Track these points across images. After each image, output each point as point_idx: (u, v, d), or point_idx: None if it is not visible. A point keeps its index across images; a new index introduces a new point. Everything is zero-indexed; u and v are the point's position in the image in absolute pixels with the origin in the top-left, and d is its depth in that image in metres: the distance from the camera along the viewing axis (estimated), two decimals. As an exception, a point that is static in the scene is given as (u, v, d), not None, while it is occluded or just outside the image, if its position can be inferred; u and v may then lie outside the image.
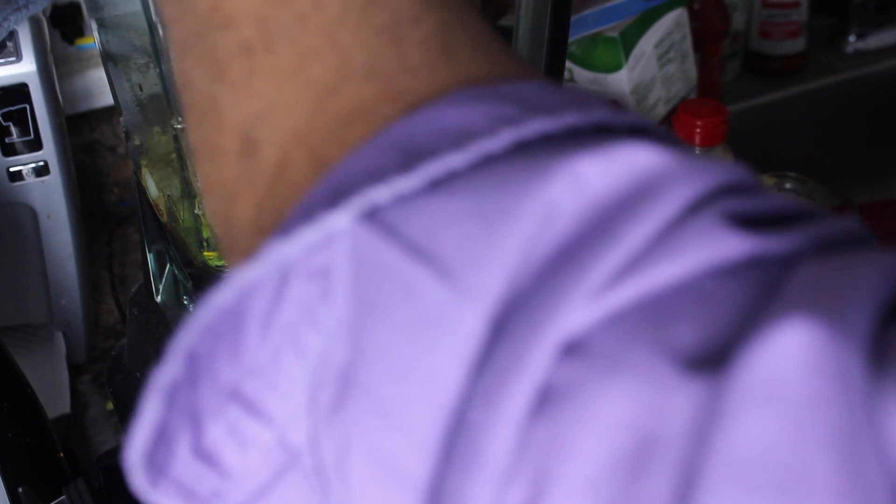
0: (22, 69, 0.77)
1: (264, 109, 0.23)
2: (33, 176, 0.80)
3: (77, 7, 0.95)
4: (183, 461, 0.22)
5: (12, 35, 0.75)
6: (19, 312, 0.86)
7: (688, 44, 1.00)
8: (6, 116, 0.77)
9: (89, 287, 0.91)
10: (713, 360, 0.18)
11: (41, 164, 0.80)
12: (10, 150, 0.79)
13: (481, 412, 0.19)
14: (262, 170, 0.24)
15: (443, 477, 0.19)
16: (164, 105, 0.55)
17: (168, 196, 0.62)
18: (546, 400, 0.18)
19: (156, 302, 0.70)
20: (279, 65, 0.23)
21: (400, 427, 0.20)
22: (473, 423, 0.19)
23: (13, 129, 0.78)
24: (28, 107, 0.78)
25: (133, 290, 0.73)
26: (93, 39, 0.94)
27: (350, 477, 0.21)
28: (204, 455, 0.22)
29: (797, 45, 1.16)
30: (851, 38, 1.20)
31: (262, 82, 0.23)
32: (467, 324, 0.19)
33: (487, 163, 0.21)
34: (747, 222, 0.20)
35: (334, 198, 0.21)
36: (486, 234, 0.20)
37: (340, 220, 0.21)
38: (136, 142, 0.65)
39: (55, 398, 0.82)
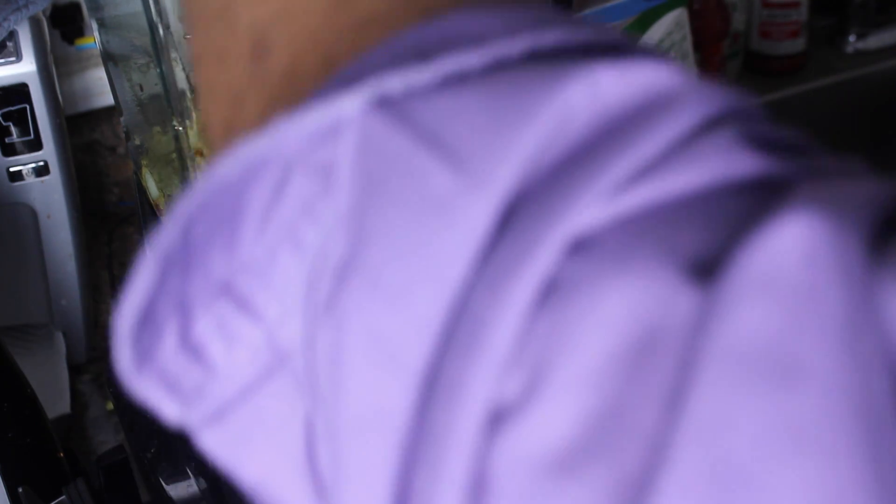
0: (22, 69, 0.77)
1: (279, 13, 0.23)
2: (33, 176, 0.80)
3: (77, 7, 0.95)
4: (169, 350, 0.22)
5: (12, 35, 0.75)
6: (19, 312, 0.86)
7: (688, 44, 1.00)
8: (6, 116, 0.77)
9: (89, 287, 0.91)
10: (716, 268, 0.18)
11: (41, 164, 0.80)
12: (10, 150, 0.79)
13: (486, 300, 0.19)
14: (274, 72, 0.24)
15: (440, 363, 0.19)
16: (164, 105, 0.55)
17: (168, 196, 0.62)
18: (551, 293, 0.18)
19: (156, 302, 0.70)
20: None
21: (401, 309, 0.19)
22: (477, 311, 0.19)
23: (13, 129, 0.78)
24: (28, 107, 0.78)
25: (133, 290, 0.73)
26: (93, 39, 0.94)
27: (345, 368, 0.20)
28: (190, 347, 0.22)
29: (797, 45, 1.16)
30: (851, 38, 1.20)
31: None
32: (475, 212, 0.19)
33: (502, 67, 0.21)
34: (759, 145, 0.20)
35: (344, 87, 0.21)
36: (499, 127, 0.20)
37: (350, 105, 0.20)
38: (136, 142, 0.65)
39: (55, 398, 0.82)
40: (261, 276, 0.22)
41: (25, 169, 0.80)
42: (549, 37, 0.21)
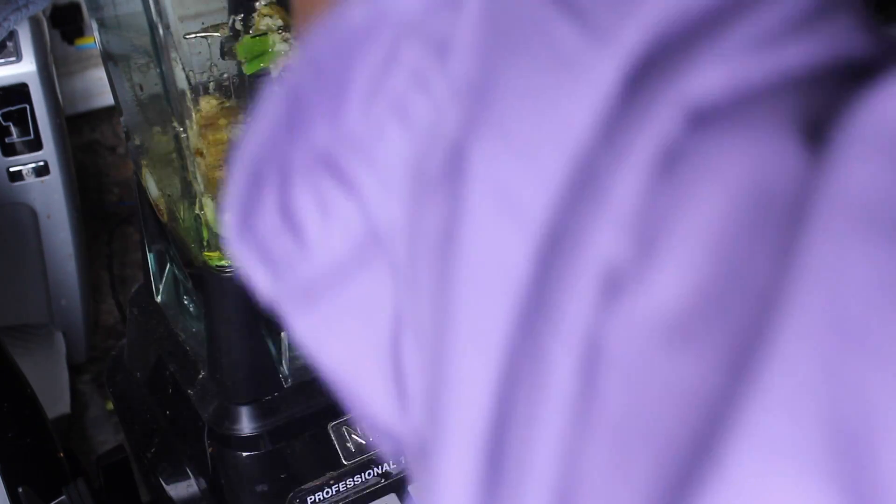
0: (22, 69, 0.77)
1: None
2: (33, 176, 0.80)
3: (77, 7, 0.95)
4: (268, 212, 0.21)
5: (12, 35, 0.75)
6: (19, 312, 0.86)
7: (688, 44, 1.00)
8: (6, 116, 0.77)
9: (89, 287, 0.91)
10: (824, 132, 0.18)
11: (41, 164, 0.80)
12: (10, 150, 0.79)
13: (608, 160, 0.18)
14: None
15: (561, 218, 0.19)
16: (164, 105, 0.55)
17: (168, 196, 0.62)
18: (674, 161, 0.18)
19: (156, 302, 0.70)
20: None
21: (527, 162, 0.19)
22: (599, 171, 0.18)
23: (13, 129, 0.78)
24: (28, 107, 0.78)
25: (133, 290, 0.73)
26: (93, 39, 0.94)
27: (466, 223, 0.19)
28: (287, 214, 0.21)
29: None
30: (851, 39, 1.20)
31: None
32: (602, 71, 0.19)
33: None
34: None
35: None
36: None
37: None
38: (136, 142, 0.65)
39: (55, 398, 0.82)
40: (363, 150, 0.21)
41: (25, 169, 0.80)
42: None
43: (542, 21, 0.20)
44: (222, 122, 0.58)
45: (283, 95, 0.21)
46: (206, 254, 0.57)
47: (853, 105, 0.18)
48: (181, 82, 0.52)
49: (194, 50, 0.53)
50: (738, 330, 0.17)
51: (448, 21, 0.20)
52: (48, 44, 0.79)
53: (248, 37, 0.52)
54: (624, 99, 0.19)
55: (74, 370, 0.90)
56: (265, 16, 0.52)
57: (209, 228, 0.56)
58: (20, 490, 0.60)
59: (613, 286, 0.18)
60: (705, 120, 0.18)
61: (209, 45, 0.53)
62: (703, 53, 0.19)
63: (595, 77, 0.19)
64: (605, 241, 0.18)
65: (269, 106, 0.21)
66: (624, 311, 0.18)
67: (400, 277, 0.21)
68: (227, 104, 0.57)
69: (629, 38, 0.19)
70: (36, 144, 0.79)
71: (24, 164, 0.80)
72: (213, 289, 0.57)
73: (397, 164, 0.21)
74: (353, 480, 0.61)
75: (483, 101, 0.20)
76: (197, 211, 0.57)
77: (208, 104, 0.57)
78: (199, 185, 0.55)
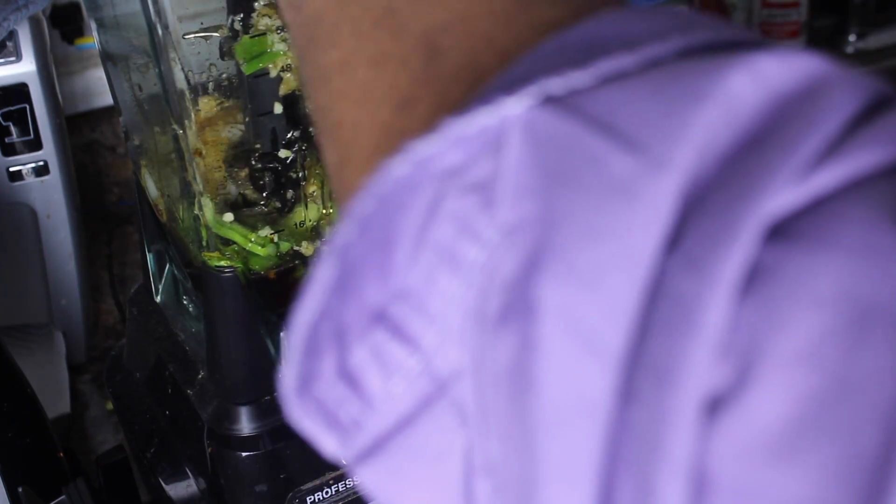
0: (22, 69, 0.77)
1: (454, 19, 0.24)
2: (33, 176, 0.80)
3: (77, 7, 0.95)
4: (327, 380, 0.22)
5: (12, 35, 0.75)
6: (19, 312, 0.86)
7: (688, 44, 1.00)
8: (6, 116, 0.77)
9: (89, 287, 0.91)
10: None
11: (41, 164, 0.80)
12: (10, 150, 0.79)
13: (689, 285, 0.18)
14: (448, 73, 0.24)
15: (640, 346, 0.19)
16: (163, 105, 0.55)
17: (168, 196, 0.62)
18: (754, 280, 0.18)
19: (155, 302, 0.70)
20: None
21: (596, 293, 0.19)
22: (682, 295, 0.18)
23: (13, 129, 0.78)
24: (28, 107, 0.78)
25: (133, 290, 0.73)
26: (93, 39, 0.93)
27: (540, 359, 0.20)
28: (347, 377, 0.22)
29: (797, 44, 1.16)
30: (851, 38, 1.20)
31: None
32: (660, 194, 0.19)
33: (657, 65, 0.21)
34: None
35: (509, 88, 0.21)
36: (670, 111, 0.20)
37: (517, 104, 0.20)
38: (136, 142, 0.65)
39: (55, 398, 0.82)
40: (416, 303, 0.21)
41: (25, 169, 0.80)
42: (699, 36, 0.21)
43: (592, 153, 0.20)
44: (221, 122, 0.58)
45: (331, 260, 0.21)
46: (206, 254, 0.57)
47: None
48: (180, 82, 0.52)
49: (193, 50, 0.53)
50: (858, 448, 0.17)
51: (489, 167, 0.21)
52: (48, 44, 0.79)
53: (246, 37, 0.52)
54: (688, 221, 0.19)
55: (74, 370, 0.90)
56: (264, 16, 0.52)
57: (208, 229, 0.56)
58: (20, 490, 0.60)
59: (713, 411, 0.18)
60: (786, 236, 0.18)
61: (208, 45, 0.53)
62: (768, 169, 0.19)
63: (654, 201, 0.19)
64: (700, 367, 0.18)
65: (319, 272, 0.21)
66: (726, 433, 0.18)
67: (469, 422, 0.21)
68: (227, 104, 0.58)
69: (682, 158, 0.19)
70: (36, 144, 0.79)
71: (24, 163, 0.80)
72: (213, 289, 0.57)
73: (453, 311, 0.21)
74: (353, 480, 0.61)
75: (544, 238, 0.20)
76: (196, 211, 0.57)
77: (207, 104, 0.57)
78: (198, 186, 0.55)
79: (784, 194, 0.18)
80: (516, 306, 0.20)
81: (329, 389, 0.22)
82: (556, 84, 0.20)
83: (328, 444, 0.23)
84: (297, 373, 0.22)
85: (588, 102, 0.20)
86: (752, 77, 0.20)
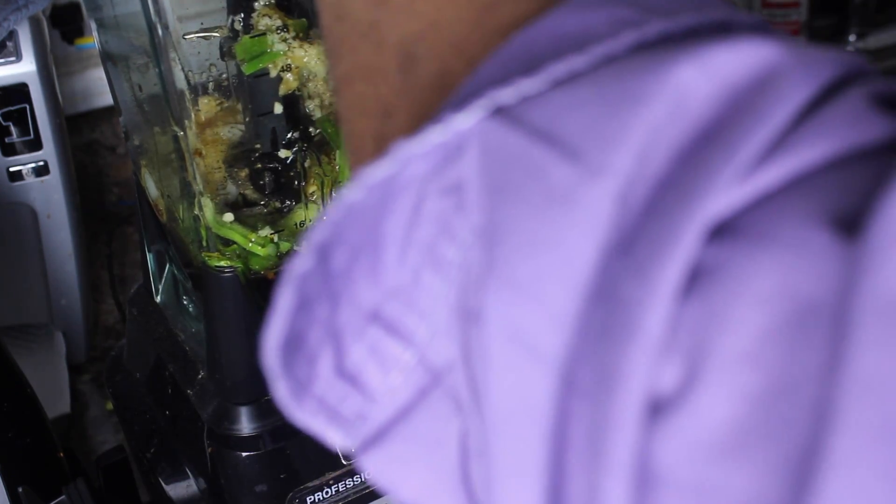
0: (22, 69, 0.77)
1: (426, 27, 0.24)
2: (33, 176, 0.80)
3: (77, 7, 0.95)
4: (326, 380, 0.23)
5: (12, 35, 0.75)
6: (19, 312, 0.86)
7: (688, 44, 1.00)
8: (6, 116, 0.77)
9: (89, 287, 0.91)
10: (857, 225, 0.18)
11: (41, 163, 0.80)
12: (10, 150, 0.79)
13: (630, 288, 0.19)
14: (422, 83, 0.25)
15: (581, 352, 0.19)
16: (163, 105, 0.55)
17: (168, 196, 0.62)
18: (697, 280, 0.18)
19: (155, 302, 0.70)
20: None
21: (535, 302, 0.20)
22: (622, 299, 0.19)
23: (13, 129, 0.78)
24: (28, 107, 0.78)
25: (133, 290, 0.73)
26: (93, 39, 0.94)
27: (488, 365, 0.21)
28: (347, 375, 0.23)
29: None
30: (851, 38, 1.20)
31: (423, 4, 0.24)
32: (596, 201, 0.19)
33: (609, 63, 0.21)
34: (883, 105, 0.20)
35: (461, 103, 0.22)
36: (611, 115, 0.20)
37: (466, 121, 0.21)
38: (136, 142, 0.65)
39: (55, 398, 0.82)
40: (407, 300, 0.22)
41: (25, 169, 0.80)
42: (653, 28, 0.21)
43: (534, 163, 0.20)
44: (221, 122, 0.58)
45: (308, 269, 0.22)
46: (206, 254, 0.57)
47: (884, 193, 0.17)
48: (180, 82, 0.52)
49: (193, 50, 0.53)
50: (794, 443, 0.17)
51: (456, 166, 0.21)
52: (48, 44, 0.79)
53: (247, 37, 0.52)
54: (638, 223, 0.19)
55: (74, 370, 0.90)
56: (264, 16, 0.52)
57: (208, 229, 0.56)
58: (20, 490, 0.60)
59: (658, 410, 0.18)
60: (727, 235, 0.19)
61: (208, 45, 0.53)
62: (711, 168, 0.19)
63: (591, 208, 0.19)
64: (641, 369, 0.18)
65: (292, 281, 0.22)
66: (674, 433, 0.18)
67: (464, 408, 0.22)
68: (227, 104, 0.58)
69: (617, 162, 0.19)
70: (36, 144, 0.79)
71: (24, 163, 0.80)
72: (213, 289, 0.57)
73: (440, 307, 0.22)
74: (353, 480, 0.61)
75: (490, 247, 0.21)
76: (196, 211, 0.57)
77: (207, 104, 0.57)
78: (198, 186, 0.55)
79: (726, 194, 0.18)
80: (473, 311, 0.21)
81: (329, 388, 0.23)
82: (506, 94, 0.21)
83: (334, 437, 0.24)
84: (290, 378, 0.22)
85: (534, 111, 0.21)
86: (701, 70, 0.20)
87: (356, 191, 0.21)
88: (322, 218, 0.22)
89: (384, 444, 0.23)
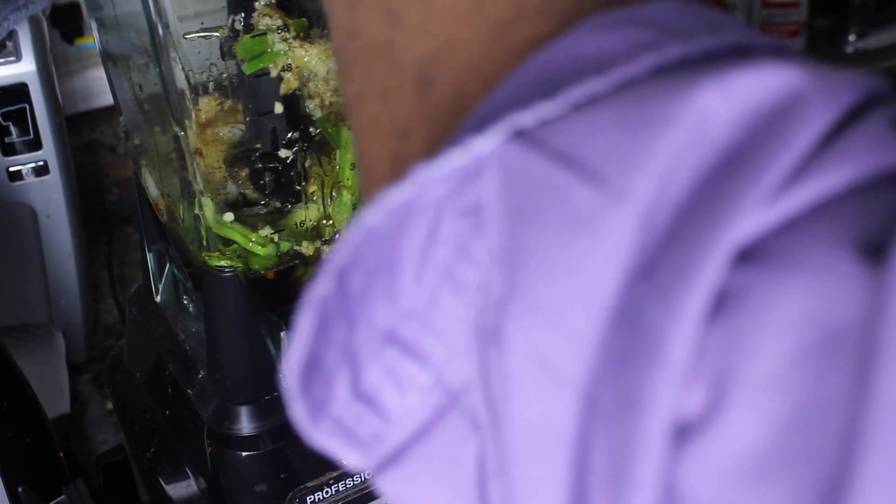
0: (22, 69, 0.77)
1: (442, 48, 0.24)
2: (33, 176, 0.80)
3: (77, 7, 0.95)
4: (343, 401, 0.23)
5: (12, 35, 0.75)
6: (19, 312, 0.86)
7: (688, 44, 1.00)
8: (6, 116, 0.77)
9: (89, 287, 0.91)
10: (883, 251, 0.18)
11: (41, 163, 0.80)
12: (10, 150, 0.79)
13: (655, 313, 0.19)
14: (438, 104, 0.25)
15: (603, 376, 0.19)
16: (163, 105, 0.55)
17: (168, 196, 0.62)
18: (722, 304, 0.18)
19: (155, 302, 0.70)
20: (456, 6, 0.24)
21: (558, 326, 0.20)
22: (649, 323, 0.19)
23: (13, 129, 0.78)
24: (28, 107, 0.78)
25: (132, 290, 0.73)
26: (93, 39, 0.94)
27: (510, 389, 0.21)
28: (363, 396, 0.23)
29: (797, 45, 1.16)
30: (851, 38, 1.20)
31: (439, 24, 0.24)
32: (618, 225, 0.19)
33: (629, 86, 0.21)
34: None
35: (479, 125, 0.22)
36: (633, 139, 0.20)
37: (486, 144, 0.21)
38: (136, 142, 0.65)
39: (55, 398, 0.82)
40: (423, 321, 0.22)
41: (25, 169, 0.80)
42: (672, 51, 0.21)
43: (555, 187, 0.20)
44: (221, 122, 0.58)
45: (327, 291, 0.22)
46: (206, 254, 0.57)
47: None
48: (180, 82, 0.52)
49: (193, 50, 0.53)
50: (820, 466, 0.17)
51: (475, 189, 0.21)
52: (48, 43, 0.79)
53: (247, 37, 0.52)
54: (662, 248, 0.19)
55: (74, 370, 0.90)
56: (264, 15, 0.52)
57: (208, 228, 0.56)
58: (20, 490, 0.60)
59: (683, 434, 0.18)
60: (753, 259, 0.18)
61: (208, 45, 0.53)
62: (736, 193, 0.19)
63: (612, 232, 0.19)
64: (667, 394, 0.18)
65: (312, 303, 0.22)
66: (700, 457, 0.18)
67: (481, 428, 0.22)
68: (227, 104, 0.58)
69: (640, 187, 0.19)
70: (35, 144, 0.79)
71: (24, 163, 0.80)
72: (213, 288, 0.57)
73: (458, 328, 0.22)
74: (353, 480, 0.61)
75: (511, 270, 0.21)
76: (196, 211, 0.57)
77: (208, 104, 0.57)
78: (198, 185, 0.55)
79: (752, 219, 0.18)
80: (495, 335, 0.21)
81: (346, 409, 0.23)
82: (526, 117, 0.21)
83: (350, 458, 0.24)
84: (306, 399, 0.23)
85: (555, 134, 0.21)
86: (723, 94, 0.20)
87: (375, 214, 0.21)
88: (342, 241, 0.22)
89: (401, 465, 0.23)
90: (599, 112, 0.21)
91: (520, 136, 0.21)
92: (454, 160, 0.21)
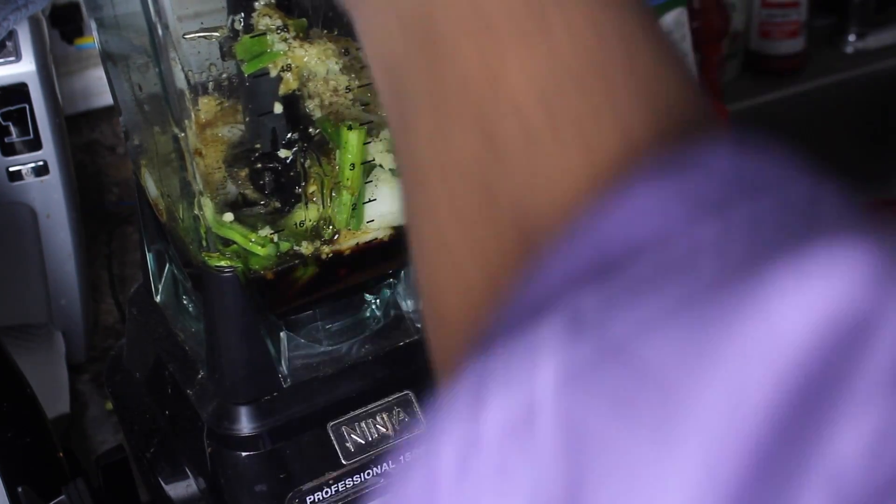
0: (21, 69, 0.77)
1: (544, 203, 0.24)
2: (32, 176, 0.80)
3: (77, 7, 0.95)
4: None
5: (12, 35, 0.75)
6: (19, 312, 0.86)
7: (687, 43, 1.00)
8: (6, 116, 0.77)
9: (89, 287, 0.91)
10: None
11: (40, 163, 0.80)
12: (10, 150, 0.79)
13: None
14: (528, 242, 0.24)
15: None
16: (163, 105, 0.55)
17: (168, 196, 0.62)
18: None
19: (155, 302, 0.70)
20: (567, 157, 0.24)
21: None
22: None
23: (13, 129, 0.78)
24: (27, 106, 0.78)
25: (132, 290, 0.73)
26: (92, 39, 0.94)
27: None
28: None
29: (797, 44, 1.16)
30: (851, 38, 1.20)
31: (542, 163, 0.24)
32: (683, 471, 0.18)
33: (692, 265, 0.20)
34: None
35: (533, 314, 0.21)
36: (699, 348, 0.19)
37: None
38: (136, 142, 0.65)
39: (55, 398, 0.82)
40: None
41: (25, 168, 0.80)
42: (736, 234, 0.20)
43: (619, 394, 0.20)
44: (221, 122, 0.58)
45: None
46: (205, 254, 0.57)
47: None
48: (180, 82, 0.52)
49: (193, 50, 0.53)
50: None
51: (529, 389, 0.21)
52: (48, 43, 0.79)
53: (247, 37, 0.52)
54: (751, 480, 0.18)
55: (74, 370, 0.90)
56: (264, 15, 0.52)
57: (208, 229, 0.56)
58: (20, 490, 0.60)
59: None
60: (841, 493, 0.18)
61: (208, 45, 0.53)
62: (837, 411, 0.18)
63: (681, 477, 0.19)
64: None
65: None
66: None
67: None
68: (227, 104, 0.58)
69: (697, 441, 0.19)
70: (35, 144, 0.79)
71: (24, 163, 0.80)
72: (212, 289, 0.57)
73: None
74: (353, 480, 0.61)
75: (574, 488, 0.20)
76: (196, 211, 0.57)
77: (207, 104, 0.57)
78: (198, 185, 0.55)
79: (850, 436, 0.18)
80: None
81: None
82: (585, 301, 0.20)
83: None
84: None
85: (614, 324, 0.20)
86: (798, 308, 0.19)
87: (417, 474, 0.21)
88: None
89: None
90: (660, 300, 0.20)
91: (576, 321, 0.20)
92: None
